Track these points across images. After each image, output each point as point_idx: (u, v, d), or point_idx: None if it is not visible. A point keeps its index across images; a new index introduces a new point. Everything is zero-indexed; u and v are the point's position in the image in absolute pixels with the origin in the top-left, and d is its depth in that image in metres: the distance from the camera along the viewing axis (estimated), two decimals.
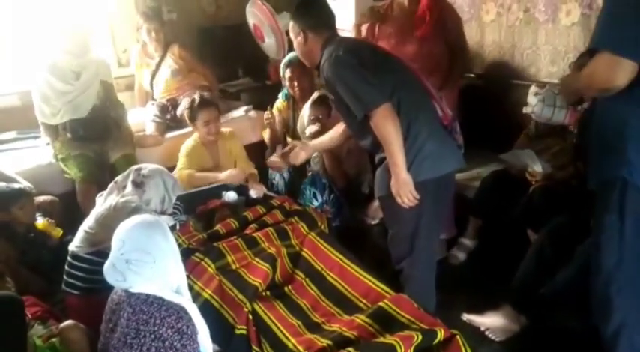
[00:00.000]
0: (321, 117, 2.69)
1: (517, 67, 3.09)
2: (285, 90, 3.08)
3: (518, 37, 3.06)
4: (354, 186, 2.87)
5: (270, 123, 3.08)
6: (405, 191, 1.78)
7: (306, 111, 2.73)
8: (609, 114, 1.52)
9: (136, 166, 2.05)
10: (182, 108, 2.91)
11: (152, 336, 1.32)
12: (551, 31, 2.89)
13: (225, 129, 2.95)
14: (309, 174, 2.83)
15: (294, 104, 3.04)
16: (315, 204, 2.72)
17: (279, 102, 3.13)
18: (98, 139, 2.69)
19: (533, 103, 1.87)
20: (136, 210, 1.83)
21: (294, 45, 2.01)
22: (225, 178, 2.70)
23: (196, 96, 2.84)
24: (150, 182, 1.98)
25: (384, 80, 1.79)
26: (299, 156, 2.24)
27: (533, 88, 1.89)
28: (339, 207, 2.73)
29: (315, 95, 2.75)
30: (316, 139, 2.34)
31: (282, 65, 3.00)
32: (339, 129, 2.16)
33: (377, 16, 2.51)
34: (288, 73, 2.96)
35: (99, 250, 1.85)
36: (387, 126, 1.73)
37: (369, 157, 2.77)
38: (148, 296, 1.37)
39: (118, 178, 2.04)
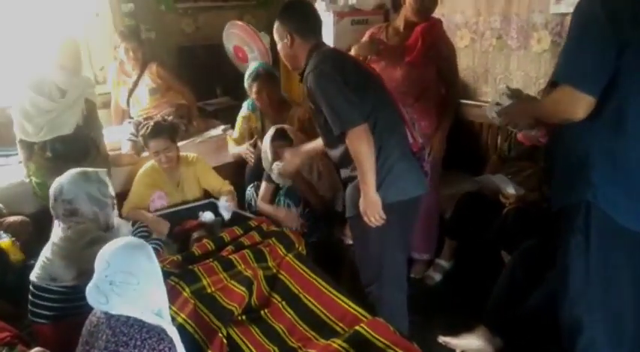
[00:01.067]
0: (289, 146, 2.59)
1: (490, 91, 3.17)
2: (250, 101, 2.97)
3: (491, 63, 3.15)
4: (329, 206, 2.86)
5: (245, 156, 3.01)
6: (373, 210, 1.81)
7: (267, 148, 2.61)
8: (575, 139, 1.58)
9: (52, 195, 1.90)
10: (140, 133, 2.86)
11: None
12: (523, 57, 2.98)
13: (189, 154, 2.90)
14: (287, 184, 2.78)
15: (262, 114, 2.95)
16: None
17: (245, 112, 3.03)
18: (76, 160, 2.65)
19: (505, 104, 1.88)
20: (95, 241, 1.78)
21: (278, 47, 1.99)
22: (149, 223, 2.55)
23: (151, 123, 2.74)
24: (77, 205, 1.86)
25: (364, 99, 1.82)
26: (293, 164, 2.31)
27: (504, 88, 1.90)
28: (314, 222, 2.70)
29: (272, 130, 2.64)
30: (307, 144, 2.33)
31: (247, 77, 2.90)
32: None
33: (375, 49, 2.47)
34: (255, 87, 2.85)
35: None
36: (362, 145, 1.77)
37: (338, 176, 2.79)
38: (128, 318, 1.36)
39: (53, 213, 1.91)
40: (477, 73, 3.24)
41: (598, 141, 1.53)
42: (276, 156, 2.55)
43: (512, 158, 2.69)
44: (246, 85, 2.93)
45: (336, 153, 1.96)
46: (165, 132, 2.70)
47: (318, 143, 2.23)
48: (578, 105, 1.47)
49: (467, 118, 3.21)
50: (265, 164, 2.68)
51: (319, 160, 2.73)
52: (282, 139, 2.58)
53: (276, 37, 1.98)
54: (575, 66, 1.48)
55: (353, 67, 1.91)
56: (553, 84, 1.58)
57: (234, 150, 3.14)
